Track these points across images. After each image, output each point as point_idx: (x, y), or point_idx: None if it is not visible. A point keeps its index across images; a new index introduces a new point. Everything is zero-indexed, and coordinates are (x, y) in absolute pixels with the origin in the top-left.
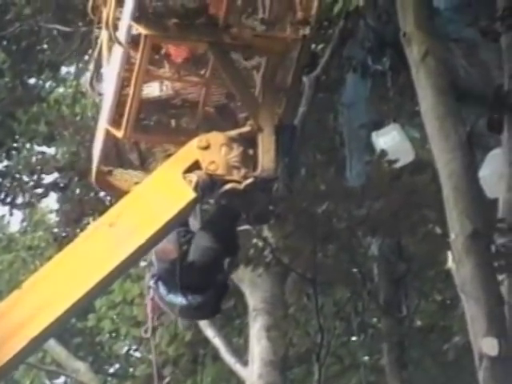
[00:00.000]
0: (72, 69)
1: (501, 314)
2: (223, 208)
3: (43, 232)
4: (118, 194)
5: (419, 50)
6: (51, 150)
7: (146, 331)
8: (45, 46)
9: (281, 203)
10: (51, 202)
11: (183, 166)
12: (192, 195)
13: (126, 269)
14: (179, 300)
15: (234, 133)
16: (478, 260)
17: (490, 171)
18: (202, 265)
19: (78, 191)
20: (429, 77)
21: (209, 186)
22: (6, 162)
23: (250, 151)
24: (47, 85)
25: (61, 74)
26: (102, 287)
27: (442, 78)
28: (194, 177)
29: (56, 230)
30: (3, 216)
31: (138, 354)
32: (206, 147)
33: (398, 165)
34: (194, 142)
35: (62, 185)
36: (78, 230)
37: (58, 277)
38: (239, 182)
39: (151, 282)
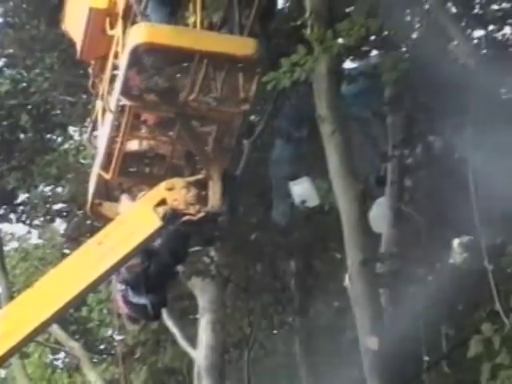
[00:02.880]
0: (77, 128)
1: (381, 320)
2: (177, 233)
3: (52, 247)
4: (106, 220)
5: (330, 127)
6: (59, 188)
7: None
8: (57, 112)
9: (223, 231)
10: (59, 225)
11: (154, 202)
12: (159, 223)
13: (110, 275)
14: (143, 300)
15: (191, 179)
16: (366, 280)
17: (376, 214)
18: (159, 273)
19: (76, 218)
20: (336, 147)
21: (172, 217)
22: (27, 194)
23: (203, 192)
24: (58, 139)
25: (68, 132)
26: (92, 287)
27: (345, 148)
28: (161, 210)
29: (61, 246)
30: (22, 235)
31: (117, 337)
32: (171, 189)
33: (307, 207)
34: (162, 185)
35: (65, 213)
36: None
37: (59, 279)
38: (194, 215)
39: (120, 287)
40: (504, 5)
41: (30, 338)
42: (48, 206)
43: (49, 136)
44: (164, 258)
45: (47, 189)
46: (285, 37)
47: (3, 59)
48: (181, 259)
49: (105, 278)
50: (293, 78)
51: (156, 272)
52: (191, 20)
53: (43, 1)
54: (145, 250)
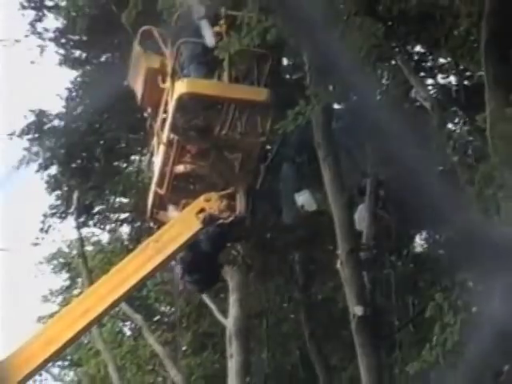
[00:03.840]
0: (137, 157)
1: (364, 293)
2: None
3: (120, 244)
4: (161, 224)
5: (324, 152)
6: (126, 200)
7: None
8: (123, 145)
9: (247, 231)
10: (125, 228)
11: (195, 210)
12: (200, 226)
13: (164, 265)
14: (189, 278)
15: (223, 192)
16: (352, 265)
17: (359, 216)
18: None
19: (138, 223)
20: (329, 168)
21: (209, 221)
22: (101, 206)
23: (232, 203)
24: (124, 165)
25: (131, 160)
26: (151, 274)
27: (336, 168)
28: (201, 216)
29: (127, 243)
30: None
31: (167, 310)
32: (208, 200)
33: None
34: (202, 197)
35: (129, 219)
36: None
37: (127, 269)
38: (226, 219)
39: (179, 270)
40: (449, 59)
41: (106, 312)
42: (116, 214)
43: (116, 163)
44: (205, 251)
45: (116, 201)
46: (289, 86)
47: (81, 106)
48: (218, 251)
49: (161, 267)
50: (296, 124)
51: (200, 260)
52: (224, 76)
53: (112, 64)
54: (192, 245)
